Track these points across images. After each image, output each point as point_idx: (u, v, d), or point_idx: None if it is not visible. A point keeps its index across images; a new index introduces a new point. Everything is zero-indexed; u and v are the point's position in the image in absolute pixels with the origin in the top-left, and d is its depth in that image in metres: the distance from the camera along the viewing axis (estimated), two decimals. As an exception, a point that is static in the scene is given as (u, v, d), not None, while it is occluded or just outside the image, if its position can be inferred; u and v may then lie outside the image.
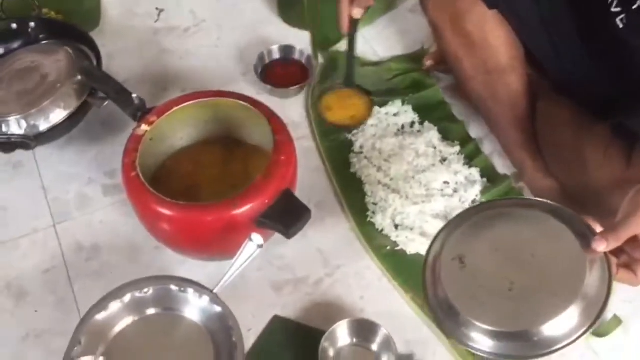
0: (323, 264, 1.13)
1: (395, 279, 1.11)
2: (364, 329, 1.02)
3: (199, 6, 1.52)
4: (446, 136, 1.27)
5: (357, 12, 1.00)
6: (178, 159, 1.19)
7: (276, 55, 1.37)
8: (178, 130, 1.18)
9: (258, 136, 1.16)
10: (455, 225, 0.93)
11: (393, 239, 1.14)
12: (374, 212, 1.17)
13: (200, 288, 0.96)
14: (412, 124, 1.29)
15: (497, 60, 1.18)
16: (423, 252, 1.11)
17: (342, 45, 1.40)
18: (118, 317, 0.94)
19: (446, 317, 0.83)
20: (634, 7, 0.93)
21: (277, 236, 1.14)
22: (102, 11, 1.49)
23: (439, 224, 1.13)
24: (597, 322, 0.79)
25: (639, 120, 1.02)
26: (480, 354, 0.81)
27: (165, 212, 1.00)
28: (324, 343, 0.99)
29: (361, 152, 1.25)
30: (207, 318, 0.94)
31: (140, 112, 1.12)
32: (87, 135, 1.29)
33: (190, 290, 0.95)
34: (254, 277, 1.11)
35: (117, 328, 0.94)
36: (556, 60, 1.15)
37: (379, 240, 1.15)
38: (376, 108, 1.29)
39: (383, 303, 1.08)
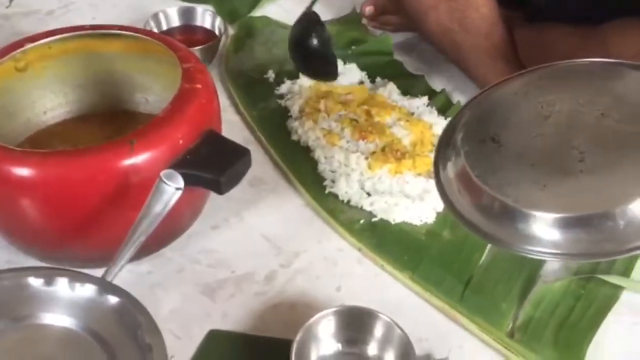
0: (274, 252, 0.77)
1: (382, 258, 0.76)
2: (358, 324, 0.65)
3: (65, -10, 1.19)
4: (406, 92, 0.98)
5: None
6: (41, 139, 0.82)
7: (175, 20, 1.05)
8: (38, 98, 0.83)
9: (157, 95, 0.82)
10: (468, 111, 0.65)
11: (367, 208, 0.81)
12: (333, 181, 0.84)
13: (80, 275, 0.57)
14: (360, 83, 1.00)
15: None
16: (411, 219, 0.80)
17: (256, 12, 1.14)
18: None
19: (496, 225, 0.58)
20: None
21: (200, 226, 0.78)
22: None
23: (424, 184, 0.82)
24: None
25: None
26: (550, 259, 0.61)
27: (18, 170, 0.62)
28: (296, 352, 0.62)
29: (301, 117, 0.93)
30: (93, 319, 0.56)
31: (-24, 61, 0.76)
32: None
33: (62, 281, 0.56)
34: (171, 282, 0.73)
35: None
36: None
37: (348, 214, 0.81)
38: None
39: (371, 292, 0.73)
